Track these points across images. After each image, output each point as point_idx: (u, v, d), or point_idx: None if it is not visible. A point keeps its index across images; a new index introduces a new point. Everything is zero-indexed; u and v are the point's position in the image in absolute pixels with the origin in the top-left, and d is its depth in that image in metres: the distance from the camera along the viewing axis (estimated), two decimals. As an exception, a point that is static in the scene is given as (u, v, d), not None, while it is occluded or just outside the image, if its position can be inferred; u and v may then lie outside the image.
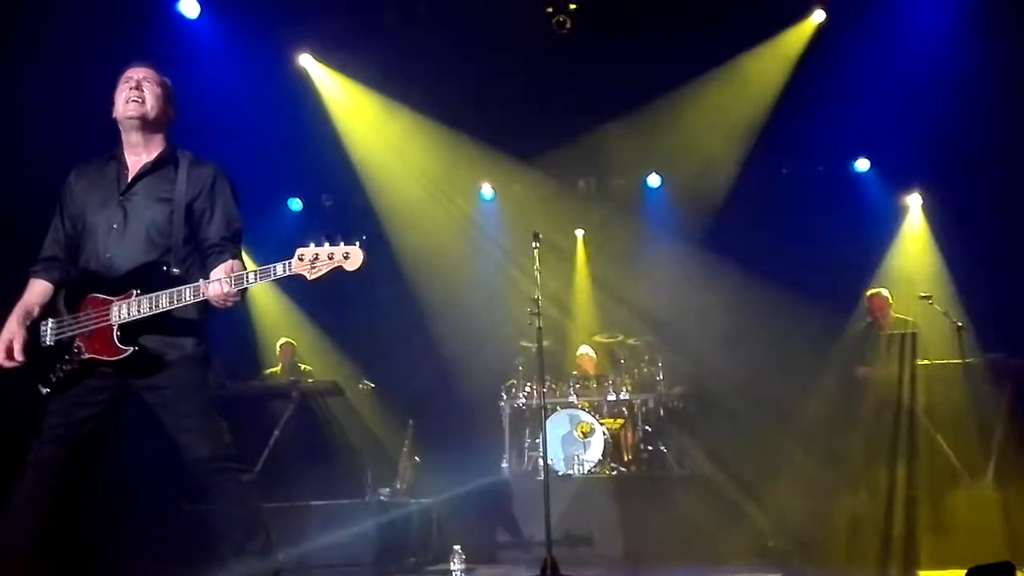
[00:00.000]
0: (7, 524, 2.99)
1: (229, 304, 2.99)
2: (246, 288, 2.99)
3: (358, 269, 2.89)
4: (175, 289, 2.98)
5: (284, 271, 2.92)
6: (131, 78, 3.19)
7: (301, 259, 2.90)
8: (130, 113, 3.16)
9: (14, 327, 3.12)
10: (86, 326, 3.04)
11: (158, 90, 3.21)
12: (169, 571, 5.01)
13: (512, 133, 8.41)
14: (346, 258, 2.89)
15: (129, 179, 3.19)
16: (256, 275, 2.95)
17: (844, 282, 7.88)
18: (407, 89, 8.02)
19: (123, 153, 3.25)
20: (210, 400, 3.15)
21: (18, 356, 3.08)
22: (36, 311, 3.17)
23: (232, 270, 2.99)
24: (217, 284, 2.94)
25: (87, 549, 4.77)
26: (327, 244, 2.90)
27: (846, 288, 7.83)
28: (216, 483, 3.08)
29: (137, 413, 3.13)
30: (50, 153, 3.79)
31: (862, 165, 8.95)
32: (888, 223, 8.75)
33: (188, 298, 2.97)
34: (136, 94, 3.16)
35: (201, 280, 2.98)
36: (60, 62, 5.75)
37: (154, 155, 3.23)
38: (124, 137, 3.24)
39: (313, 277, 2.89)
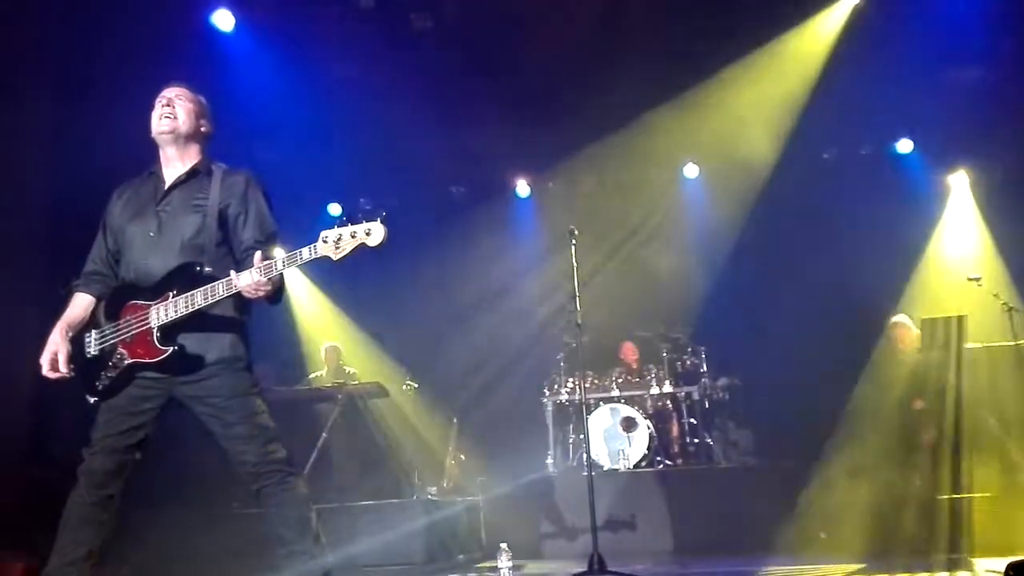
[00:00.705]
0: (65, 534, 3.07)
1: (261, 294, 3.02)
2: (281, 279, 3.04)
3: (380, 244, 2.92)
4: (208, 285, 3.05)
5: (311, 254, 2.96)
6: (164, 97, 3.33)
7: (325, 241, 2.94)
8: (162, 128, 3.29)
9: (58, 340, 3.21)
10: (127, 332, 3.12)
11: (190, 106, 3.33)
12: (222, 574, 5.10)
13: (546, 129, 8.38)
14: (368, 234, 2.92)
15: (165, 189, 3.30)
16: (284, 261, 2.99)
17: (889, 266, 7.72)
18: (440, 88, 8.03)
19: (160, 168, 3.37)
20: (257, 405, 3.18)
21: (62, 367, 3.17)
22: (79, 324, 3.26)
23: (262, 261, 3.02)
24: (247, 274, 2.98)
25: (140, 553, 4.88)
26: (349, 224, 2.94)
27: (891, 272, 7.67)
28: (266, 487, 3.13)
29: (186, 418, 3.20)
30: (96, 176, 3.89)
31: (904, 146, 8.77)
32: (933, 205, 8.56)
33: (221, 292, 3.03)
34: (168, 111, 3.30)
35: (232, 272, 3.03)
36: (101, 90, 5.92)
37: (188, 167, 3.34)
38: (161, 153, 3.37)
39: (338, 257, 2.94)
